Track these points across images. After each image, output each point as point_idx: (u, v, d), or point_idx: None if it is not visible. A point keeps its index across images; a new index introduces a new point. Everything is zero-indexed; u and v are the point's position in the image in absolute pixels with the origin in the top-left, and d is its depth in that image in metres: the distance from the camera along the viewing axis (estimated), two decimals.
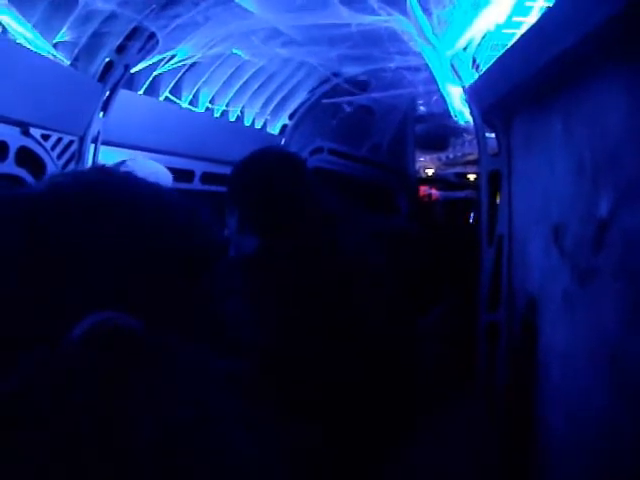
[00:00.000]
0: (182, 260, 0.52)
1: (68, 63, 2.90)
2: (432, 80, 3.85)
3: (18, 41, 2.54)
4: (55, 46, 2.79)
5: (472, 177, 11.60)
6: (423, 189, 10.09)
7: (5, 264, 0.46)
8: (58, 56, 2.80)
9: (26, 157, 2.69)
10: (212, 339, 0.52)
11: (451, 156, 12.35)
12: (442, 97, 3.93)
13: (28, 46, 2.58)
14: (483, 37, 2.89)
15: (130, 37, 3.02)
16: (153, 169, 2.79)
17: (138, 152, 3.76)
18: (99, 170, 0.56)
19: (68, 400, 0.40)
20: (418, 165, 11.06)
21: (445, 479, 3.17)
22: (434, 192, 10.11)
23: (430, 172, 12.45)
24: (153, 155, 3.93)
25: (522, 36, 2.22)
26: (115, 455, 0.40)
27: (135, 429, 0.41)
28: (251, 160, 1.84)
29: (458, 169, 12.18)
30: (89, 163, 3.04)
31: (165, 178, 2.74)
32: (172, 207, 0.54)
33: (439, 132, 10.77)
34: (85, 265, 0.46)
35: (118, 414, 0.41)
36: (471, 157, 11.30)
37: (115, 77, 3.07)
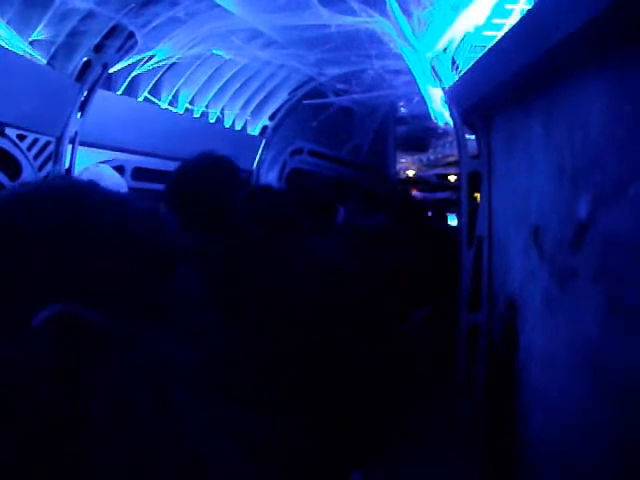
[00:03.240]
0: (146, 262, 0.52)
1: (45, 62, 2.86)
2: (412, 82, 3.86)
3: None
4: (31, 44, 2.75)
5: (453, 178, 11.67)
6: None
7: None
8: (34, 55, 2.76)
9: (1, 158, 2.65)
10: (176, 335, 0.52)
11: (432, 157, 12.42)
12: (422, 99, 3.94)
13: (3, 44, 2.54)
14: (463, 39, 2.90)
15: (108, 36, 2.99)
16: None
17: (116, 153, 3.73)
18: (63, 179, 0.56)
19: (27, 381, 0.40)
20: (399, 166, 11.11)
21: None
22: (415, 193, 10.14)
23: (411, 173, 12.51)
24: (131, 156, 3.91)
25: (502, 38, 2.22)
26: (71, 430, 0.41)
27: (90, 410, 0.41)
28: (184, 167, 1.86)
29: (439, 170, 12.26)
30: (66, 164, 3.00)
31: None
32: (135, 214, 0.54)
33: (420, 134, 10.83)
34: (49, 267, 0.46)
35: (73, 396, 0.41)
36: (452, 158, 11.37)
37: (93, 77, 3.03)
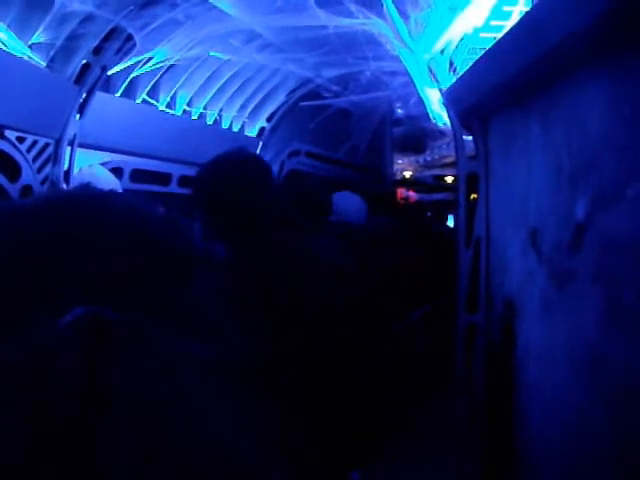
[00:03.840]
0: (161, 266, 0.53)
1: (44, 65, 2.86)
2: (409, 83, 3.87)
3: None
4: (31, 47, 2.76)
5: (450, 179, 11.70)
6: (401, 191, 10.14)
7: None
8: (34, 57, 2.77)
9: (1, 160, 2.65)
10: (192, 333, 0.53)
11: (429, 159, 12.44)
12: (420, 100, 3.95)
13: (3, 47, 2.54)
14: (460, 40, 2.91)
15: (107, 38, 2.99)
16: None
17: (115, 155, 3.74)
18: (88, 189, 0.58)
19: (48, 376, 0.43)
20: (396, 167, 11.12)
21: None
22: (412, 194, 10.16)
23: (408, 174, 12.52)
24: (130, 158, 3.91)
25: (500, 39, 2.23)
26: (86, 424, 0.43)
27: (107, 400, 0.43)
28: (214, 164, 1.81)
29: (435, 172, 12.27)
30: (65, 166, 3.01)
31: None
32: (153, 219, 0.56)
33: (416, 135, 10.84)
34: (66, 274, 0.48)
35: (91, 388, 0.43)
36: (448, 159, 11.38)
37: (92, 79, 3.03)
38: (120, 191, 2.69)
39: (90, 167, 3.10)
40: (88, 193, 0.56)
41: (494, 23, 2.69)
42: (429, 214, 6.13)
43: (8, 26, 2.57)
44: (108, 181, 2.77)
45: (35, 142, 2.82)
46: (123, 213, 0.54)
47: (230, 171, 1.76)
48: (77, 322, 0.44)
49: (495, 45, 2.29)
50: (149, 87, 4.04)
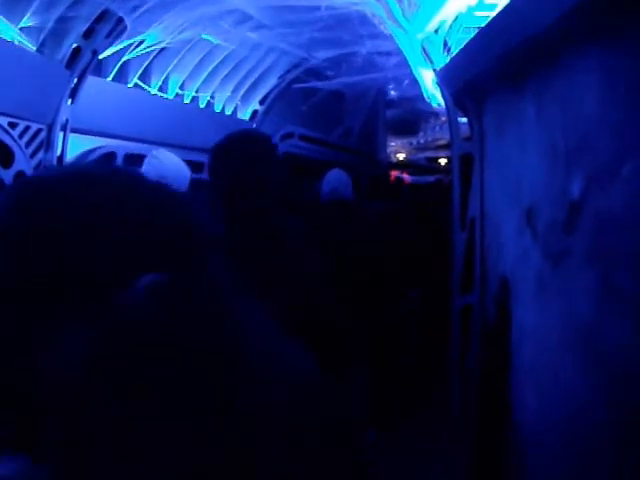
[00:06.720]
0: (178, 252, 0.56)
1: (34, 49, 2.84)
2: (403, 64, 3.85)
3: None
4: (21, 31, 2.73)
5: (443, 161, 11.70)
6: (394, 174, 10.14)
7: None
8: (24, 41, 2.74)
9: None
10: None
11: (422, 141, 12.43)
12: (413, 81, 3.93)
13: None
14: (455, 20, 2.88)
15: (98, 21, 2.97)
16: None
17: (108, 140, 3.72)
18: (125, 169, 0.62)
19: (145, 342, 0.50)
20: (389, 150, 11.12)
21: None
22: (405, 177, 10.16)
23: (401, 157, 12.52)
24: (123, 143, 3.89)
25: (494, 18, 2.22)
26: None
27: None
28: (229, 144, 1.83)
29: (429, 153, 12.28)
30: (58, 151, 2.99)
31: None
32: (167, 201, 0.59)
33: (410, 117, 10.82)
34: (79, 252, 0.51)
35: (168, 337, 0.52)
36: (442, 142, 11.38)
37: (83, 63, 3.01)
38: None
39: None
40: (124, 172, 0.60)
41: (488, 1, 2.67)
42: (423, 196, 6.13)
43: None
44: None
45: (27, 128, 2.80)
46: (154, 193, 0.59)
47: (249, 149, 1.80)
48: (152, 286, 0.51)
49: (489, 24, 2.28)
50: (141, 71, 4.02)
